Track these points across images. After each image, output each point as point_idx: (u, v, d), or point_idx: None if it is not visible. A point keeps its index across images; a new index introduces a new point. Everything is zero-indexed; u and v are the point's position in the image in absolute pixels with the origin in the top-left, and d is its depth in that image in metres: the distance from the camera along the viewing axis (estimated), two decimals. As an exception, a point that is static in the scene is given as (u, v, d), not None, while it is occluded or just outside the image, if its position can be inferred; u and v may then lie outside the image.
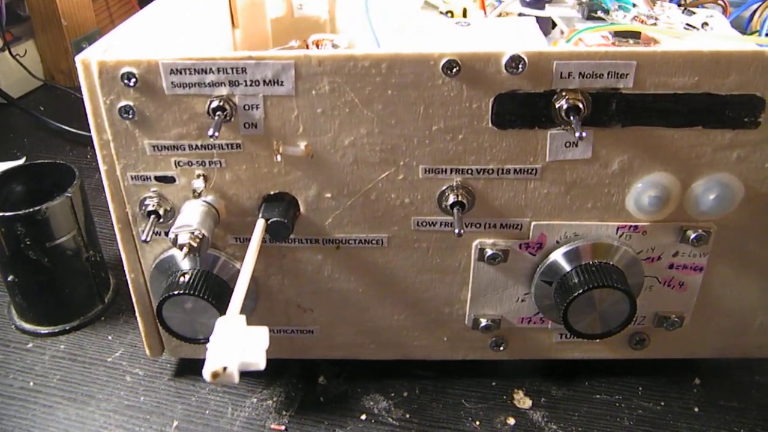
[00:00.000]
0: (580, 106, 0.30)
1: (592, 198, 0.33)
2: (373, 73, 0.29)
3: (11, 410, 0.37)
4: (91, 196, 0.44)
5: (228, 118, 0.30)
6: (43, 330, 0.42)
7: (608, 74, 0.29)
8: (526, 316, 0.36)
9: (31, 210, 0.39)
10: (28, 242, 0.39)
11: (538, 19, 0.44)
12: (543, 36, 0.36)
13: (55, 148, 0.68)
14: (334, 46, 0.38)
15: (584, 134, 0.29)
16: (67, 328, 0.42)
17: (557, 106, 0.30)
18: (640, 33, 0.36)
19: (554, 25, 0.43)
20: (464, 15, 0.49)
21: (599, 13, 0.40)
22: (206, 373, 0.23)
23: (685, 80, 0.30)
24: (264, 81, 0.29)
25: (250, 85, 0.30)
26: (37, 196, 0.41)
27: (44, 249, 0.40)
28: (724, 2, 0.43)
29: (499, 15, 0.46)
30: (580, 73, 0.29)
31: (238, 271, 0.34)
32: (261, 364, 0.24)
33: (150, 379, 0.39)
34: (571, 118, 0.29)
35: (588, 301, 0.33)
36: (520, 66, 0.29)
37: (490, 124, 0.30)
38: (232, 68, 0.29)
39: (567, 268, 0.34)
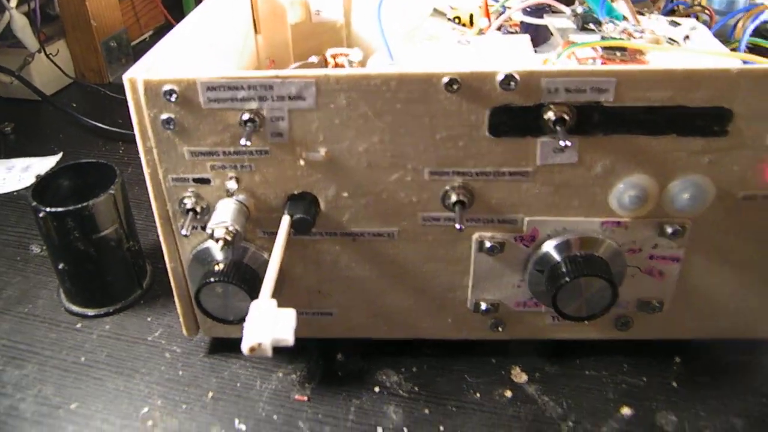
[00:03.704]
0: (566, 117, 0.33)
1: (578, 197, 0.37)
2: (383, 90, 0.33)
3: (67, 381, 0.42)
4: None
5: (257, 128, 0.34)
6: (90, 312, 0.47)
7: (591, 89, 0.33)
8: (521, 300, 0.41)
9: (80, 206, 0.43)
10: (76, 234, 0.44)
11: (538, 26, 0.48)
12: (534, 53, 0.40)
13: (88, 143, 0.73)
14: (350, 62, 0.42)
15: (568, 143, 0.33)
16: (111, 310, 0.47)
17: (546, 117, 0.34)
18: (626, 47, 0.39)
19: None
20: (471, 21, 0.53)
21: (591, 25, 0.43)
22: (244, 347, 0.28)
23: (660, 94, 0.33)
24: (289, 96, 0.34)
25: (277, 100, 0.34)
26: (81, 191, 0.46)
27: (90, 240, 0.45)
28: (710, 11, 0.47)
29: (503, 24, 0.50)
30: (565, 89, 0.33)
31: (266, 260, 0.39)
32: (290, 340, 0.28)
33: (186, 355, 0.44)
34: (558, 128, 0.33)
35: (575, 288, 0.37)
36: (512, 83, 0.33)
37: (486, 133, 0.35)
38: (260, 85, 0.33)
39: (557, 258, 0.38)
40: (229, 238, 0.35)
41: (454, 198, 0.36)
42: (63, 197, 0.47)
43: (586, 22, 0.44)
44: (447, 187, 0.36)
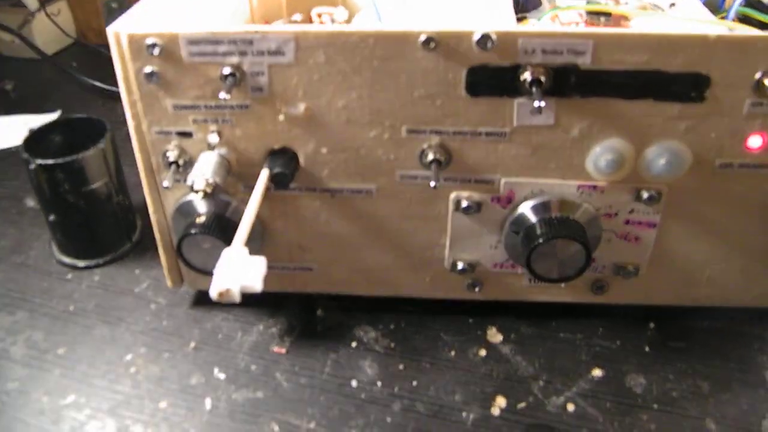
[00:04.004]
0: (542, 78, 0.34)
1: (555, 159, 0.37)
2: (361, 47, 0.34)
3: (56, 328, 0.44)
4: (119, 146, 0.49)
5: (238, 82, 0.35)
6: (80, 264, 0.49)
7: (568, 51, 0.33)
8: (498, 261, 0.41)
9: (69, 159, 0.44)
10: (66, 187, 0.45)
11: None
12: (513, 13, 0.40)
13: (88, 102, 0.74)
14: (333, 20, 0.42)
15: (542, 104, 0.33)
16: (101, 262, 0.49)
17: (522, 78, 0.34)
18: (611, 13, 0.39)
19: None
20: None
21: (579, -10, 0.43)
22: (213, 292, 0.29)
23: (637, 58, 0.34)
24: (268, 51, 0.34)
25: (257, 55, 0.34)
26: (73, 146, 0.47)
27: (80, 193, 0.46)
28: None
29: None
30: (542, 50, 0.33)
31: (247, 215, 0.40)
32: (258, 286, 0.29)
33: (171, 307, 0.45)
34: (534, 89, 0.34)
35: (549, 250, 0.38)
36: (488, 43, 0.33)
37: (463, 92, 0.35)
38: (241, 40, 0.34)
39: (532, 220, 0.38)
40: (208, 190, 0.36)
41: (430, 156, 0.37)
42: (54, 151, 0.48)
43: (575, -13, 0.44)
44: (424, 146, 0.37)
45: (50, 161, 0.44)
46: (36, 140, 0.47)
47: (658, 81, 0.34)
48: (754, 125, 0.36)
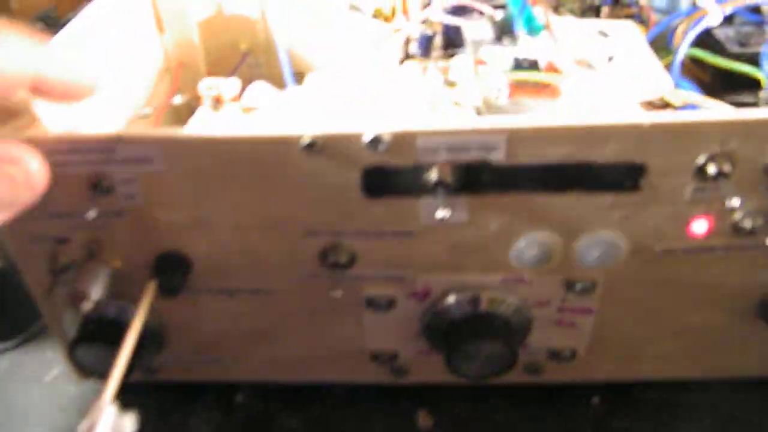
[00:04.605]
0: (448, 180, 0.30)
1: (473, 254, 0.33)
2: (236, 153, 0.29)
3: (-50, 437, 0.41)
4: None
5: (108, 190, 0.31)
6: (-13, 348, 0.45)
7: (477, 148, 0.29)
8: (422, 349, 0.38)
9: (-44, 249, 0.40)
10: (-41, 275, 0.41)
11: (458, 29, 0.43)
12: (424, 105, 0.35)
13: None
14: (215, 99, 0.37)
15: (446, 215, 0.29)
16: (9, 346, 0.45)
17: (424, 179, 0.30)
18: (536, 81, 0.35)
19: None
20: (393, 15, 0.48)
21: (507, 39, 0.38)
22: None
23: (559, 150, 0.29)
24: (135, 159, 0.30)
25: (122, 163, 0.30)
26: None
27: (-25, 280, 0.42)
28: (647, 14, 0.41)
29: (424, 21, 0.45)
30: (447, 148, 0.29)
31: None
32: (122, 454, 0.26)
33: (82, 399, 0.42)
34: (438, 190, 0.30)
35: (470, 350, 0.34)
36: (380, 145, 0.29)
37: (361, 194, 0.31)
38: (101, 149, 0.30)
39: (452, 316, 0.35)
40: (88, 306, 0.33)
41: (332, 258, 0.33)
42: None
43: (504, 32, 0.39)
44: (325, 247, 0.33)
45: (-65, 250, 0.40)
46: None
47: (585, 173, 0.30)
48: (698, 210, 0.32)
